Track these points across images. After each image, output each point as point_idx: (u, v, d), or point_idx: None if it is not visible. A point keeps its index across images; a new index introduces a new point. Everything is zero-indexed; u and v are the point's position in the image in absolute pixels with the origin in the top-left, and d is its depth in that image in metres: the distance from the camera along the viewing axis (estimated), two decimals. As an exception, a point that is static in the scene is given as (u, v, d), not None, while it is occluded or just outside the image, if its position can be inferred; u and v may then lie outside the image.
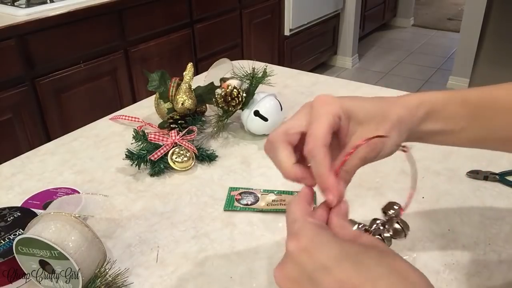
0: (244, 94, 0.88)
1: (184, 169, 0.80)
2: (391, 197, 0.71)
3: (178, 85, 0.88)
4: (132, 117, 0.95)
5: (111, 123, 0.97)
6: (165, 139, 0.81)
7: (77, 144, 0.90)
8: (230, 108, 0.88)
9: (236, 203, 0.71)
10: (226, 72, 0.97)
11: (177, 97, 0.86)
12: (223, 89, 0.88)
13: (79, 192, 0.72)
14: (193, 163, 0.81)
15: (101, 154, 0.86)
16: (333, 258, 0.34)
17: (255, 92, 0.90)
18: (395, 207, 0.47)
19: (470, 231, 0.64)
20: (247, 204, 0.71)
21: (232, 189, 0.75)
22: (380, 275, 0.33)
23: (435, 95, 0.48)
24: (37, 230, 0.52)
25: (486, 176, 0.75)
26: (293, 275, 0.36)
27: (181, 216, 0.69)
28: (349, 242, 0.37)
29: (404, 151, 0.48)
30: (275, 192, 0.73)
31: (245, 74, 0.94)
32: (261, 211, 0.70)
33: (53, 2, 1.80)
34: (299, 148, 0.44)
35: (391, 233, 0.45)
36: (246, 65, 1.00)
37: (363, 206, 0.70)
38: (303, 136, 0.43)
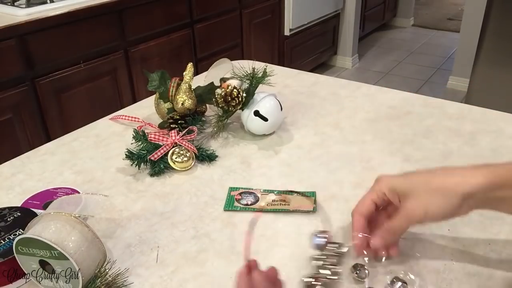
0: (244, 94, 0.88)
1: (184, 169, 0.80)
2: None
3: (178, 85, 0.88)
4: (132, 117, 0.95)
5: (111, 123, 0.97)
6: (165, 139, 0.81)
7: (77, 144, 0.90)
8: (230, 108, 0.88)
9: (236, 203, 0.71)
10: (226, 72, 0.97)
11: (177, 97, 0.86)
12: (223, 89, 0.88)
13: (79, 192, 0.72)
14: (193, 163, 0.81)
15: (101, 154, 0.86)
16: None
17: (255, 92, 0.90)
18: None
19: (470, 231, 0.64)
20: (247, 204, 0.71)
21: (232, 189, 0.75)
22: None
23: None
24: (37, 230, 0.52)
25: (486, 176, 0.75)
26: None
27: (181, 216, 0.69)
28: None
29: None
30: (275, 192, 0.73)
31: (245, 74, 0.94)
32: (261, 211, 0.69)
33: (53, 2, 1.80)
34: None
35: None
36: (246, 65, 1.00)
37: (363, 206, 0.70)
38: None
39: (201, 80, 1.00)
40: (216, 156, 0.84)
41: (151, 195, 0.74)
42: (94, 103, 1.91)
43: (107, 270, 0.56)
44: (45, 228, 0.53)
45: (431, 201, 0.52)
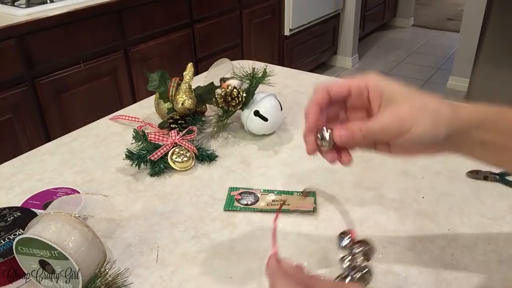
0: (244, 94, 0.88)
1: (184, 169, 0.80)
2: (392, 197, 0.71)
3: (178, 85, 0.88)
4: (132, 117, 0.95)
5: (111, 123, 0.97)
6: (165, 139, 0.81)
7: (77, 144, 0.90)
8: (230, 108, 0.88)
9: (236, 203, 0.71)
10: (226, 72, 0.97)
11: (177, 97, 0.86)
12: (223, 89, 0.88)
13: (79, 192, 0.72)
14: (193, 163, 0.81)
15: (101, 154, 0.86)
16: None
17: (255, 92, 0.90)
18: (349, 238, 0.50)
19: (470, 231, 0.64)
20: (247, 204, 0.71)
21: (232, 189, 0.75)
22: None
23: (493, 107, 0.47)
24: (37, 230, 0.52)
25: (486, 176, 0.75)
26: None
27: (181, 216, 0.69)
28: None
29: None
30: (275, 192, 0.73)
31: (245, 74, 0.94)
32: (261, 211, 0.69)
33: (53, 2, 1.80)
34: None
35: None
36: (246, 65, 1.00)
37: (363, 206, 0.70)
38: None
39: (201, 80, 1.00)
40: (216, 156, 0.84)
41: (151, 195, 0.74)
42: (94, 103, 1.91)
43: (107, 270, 0.56)
44: (45, 228, 0.53)
45: (419, 120, 0.45)
